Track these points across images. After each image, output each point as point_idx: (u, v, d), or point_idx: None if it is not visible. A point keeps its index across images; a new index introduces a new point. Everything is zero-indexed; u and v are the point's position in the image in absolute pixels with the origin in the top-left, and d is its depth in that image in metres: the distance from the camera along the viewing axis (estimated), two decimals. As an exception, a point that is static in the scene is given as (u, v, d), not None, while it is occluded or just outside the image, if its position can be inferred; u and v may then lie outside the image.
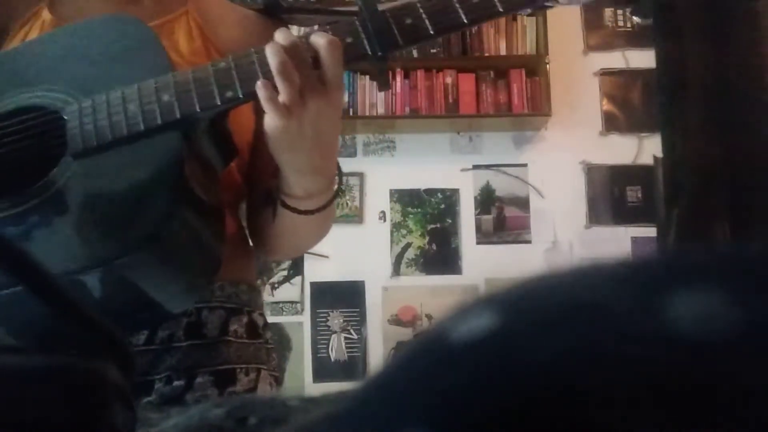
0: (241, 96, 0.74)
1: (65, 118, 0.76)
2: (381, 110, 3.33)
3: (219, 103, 0.74)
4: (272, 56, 0.71)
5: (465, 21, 0.73)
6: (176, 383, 0.83)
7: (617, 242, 3.30)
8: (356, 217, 3.39)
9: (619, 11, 3.48)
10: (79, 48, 0.81)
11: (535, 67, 3.34)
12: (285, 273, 3.35)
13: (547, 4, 0.76)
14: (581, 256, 3.32)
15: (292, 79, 0.71)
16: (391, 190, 3.42)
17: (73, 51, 0.81)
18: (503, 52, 3.35)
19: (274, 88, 0.72)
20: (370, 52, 0.74)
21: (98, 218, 0.71)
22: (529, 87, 3.34)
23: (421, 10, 0.74)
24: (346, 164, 3.47)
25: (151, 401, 0.82)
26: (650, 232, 3.12)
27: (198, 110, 0.73)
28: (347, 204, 3.39)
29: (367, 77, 3.32)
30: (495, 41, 3.36)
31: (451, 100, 3.35)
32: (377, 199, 3.41)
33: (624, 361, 0.15)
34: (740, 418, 0.14)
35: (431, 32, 0.74)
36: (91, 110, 0.75)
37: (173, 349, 0.84)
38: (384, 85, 0.79)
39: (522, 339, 0.16)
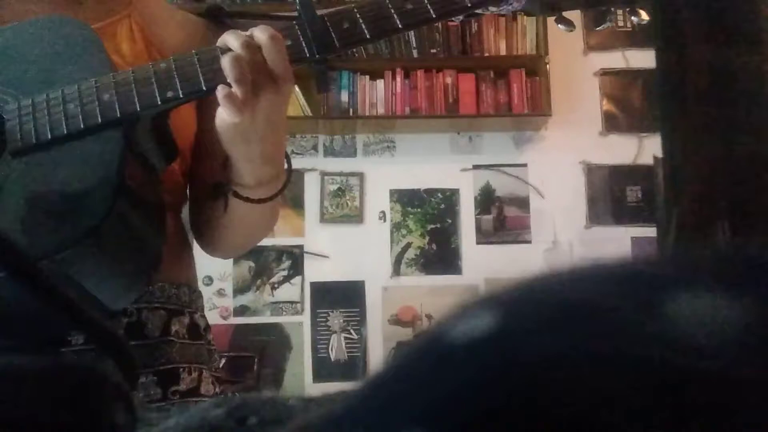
0: (181, 96, 0.75)
1: (4, 117, 0.76)
2: (381, 110, 3.33)
3: (159, 103, 0.75)
4: (226, 58, 0.74)
5: (399, 26, 0.77)
6: None
7: (617, 242, 3.30)
8: (356, 217, 3.39)
9: (619, 11, 3.47)
10: (19, 48, 0.81)
11: (535, 67, 3.34)
12: (285, 273, 3.35)
13: (478, 11, 0.78)
14: (581, 256, 3.32)
15: (246, 76, 0.73)
16: (391, 190, 3.42)
17: (13, 51, 0.81)
18: (503, 52, 3.35)
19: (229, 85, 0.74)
20: (308, 55, 0.77)
21: (37, 215, 0.72)
22: (529, 87, 3.34)
23: (358, 16, 0.77)
24: (347, 164, 3.51)
25: None
26: (650, 232, 3.12)
27: (138, 109, 0.75)
28: (347, 204, 3.39)
29: (367, 77, 3.32)
30: (495, 41, 3.36)
31: (451, 100, 3.35)
32: (377, 199, 3.41)
33: (623, 362, 0.15)
34: (740, 418, 0.14)
35: (367, 36, 0.77)
36: (30, 109, 0.75)
37: None
38: (323, 87, 0.83)
39: (521, 339, 0.16)
